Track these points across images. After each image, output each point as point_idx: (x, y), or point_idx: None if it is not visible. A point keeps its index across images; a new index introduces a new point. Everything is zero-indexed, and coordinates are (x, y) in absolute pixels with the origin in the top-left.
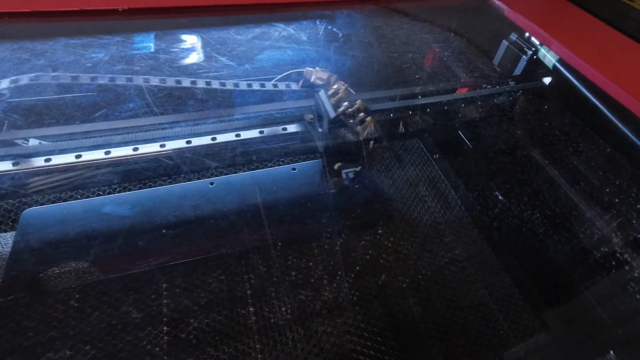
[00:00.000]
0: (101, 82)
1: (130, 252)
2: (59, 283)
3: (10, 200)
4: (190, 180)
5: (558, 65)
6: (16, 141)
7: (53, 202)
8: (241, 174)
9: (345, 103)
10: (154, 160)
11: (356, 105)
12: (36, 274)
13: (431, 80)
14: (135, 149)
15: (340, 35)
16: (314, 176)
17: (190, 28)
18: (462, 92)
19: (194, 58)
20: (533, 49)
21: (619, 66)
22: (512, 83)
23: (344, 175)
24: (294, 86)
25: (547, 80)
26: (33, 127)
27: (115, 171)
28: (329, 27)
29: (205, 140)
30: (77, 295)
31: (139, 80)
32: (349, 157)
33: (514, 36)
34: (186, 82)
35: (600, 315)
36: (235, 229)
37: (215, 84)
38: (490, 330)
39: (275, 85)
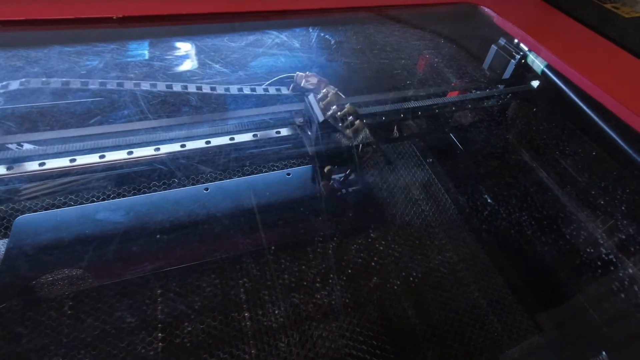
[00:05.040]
0: (109, 87)
1: (124, 258)
2: (53, 290)
3: (3, 207)
4: (185, 186)
5: (545, 70)
6: (9, 146)
7: (46, 209)
8: (236, 179)
9: (334, 107)
10: (148, 164)
11: (345, 109)
12: (29, 281)
13: (422, 84)
14: (130, 153)
15: (332, 42)
16: (308, 181)
17: (184, 35)
18: (453, 96)
19: (188, 65)
20: (521, 53)
21: (603, 71)
22: (501, 87)
23: (334, 179)
24: (285, 90)
25: (535, 84)
26: (26, 132)
27: (110, 177)
28: (322, 34)
29: (200, 144)
30: (70, 303)
31: (144, 86)
32: (339, 161)
33: (502, 41)
34: (178, 87)
35: (592, 316)
36: (230, 234)
37: (207, 89)
38: (484, 332)
39: (266, 90)
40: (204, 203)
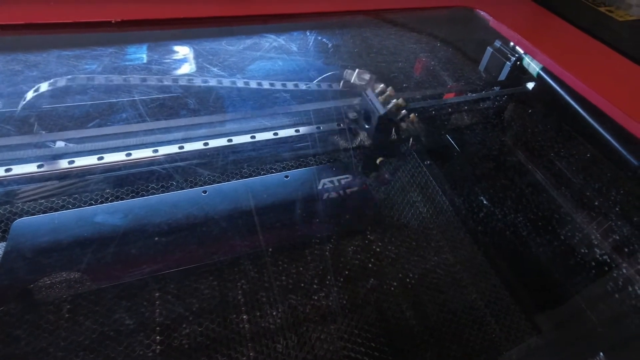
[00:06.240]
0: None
1: (122, 260)
2: (51, 293)
3: (0, 211)
4: (183, 189)
5: (541, 72)
6: (6, 148)
7: (44, 212)
8: (234, 182)
9: (394, 100)
10: (147, 166)
11: (399, 103)
12: (27, 284)
13: (419, 87)
14: (129, 155)
15: (330, 45)
16: (307, 183)
17: (182, 39)
18: (449, 97)
19: (186, 69)
20: (516, 56)
21: (597, 73)
22: (496, 89)
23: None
24: (336, 86)
25: (530, 86)
26: (24, 134)
27: (108, 179)
28: (319, 38)
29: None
30: (68, 306)
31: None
32: (388, 152)
33: (497, 43)
34: (226, 82)
35: (590, 318)
36: (228, 236)
37: (253, 84)
38: (482, 334)
39: (318, 86)
40: (202, 206)
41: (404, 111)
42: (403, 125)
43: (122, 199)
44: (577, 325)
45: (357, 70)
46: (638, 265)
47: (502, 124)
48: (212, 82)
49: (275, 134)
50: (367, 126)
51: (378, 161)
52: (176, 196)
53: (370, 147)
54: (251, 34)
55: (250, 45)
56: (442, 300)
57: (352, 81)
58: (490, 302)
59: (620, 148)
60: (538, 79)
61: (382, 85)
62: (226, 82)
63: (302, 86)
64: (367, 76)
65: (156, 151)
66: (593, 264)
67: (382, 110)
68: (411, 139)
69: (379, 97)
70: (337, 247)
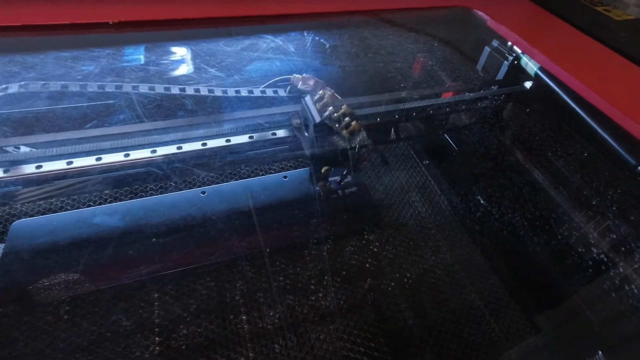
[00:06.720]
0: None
1: (121, 261)
2: (49, 294)
3: None
4: (182, 189)
5: (538, 72)
6: (5, 149)
7: (42, 214)
8: (233, 182)
9: (330, 108)
10: (145, 166)
11: (342, 110)
12: (26, 286)
13: (417, 86)
14: (127, 155)
15: (327, 45)
16: (305, 184)
17: (180, 40)
18: (447, 97)
19: (184, 69)
20: (514, 55)
21: (594, 73)
22: (494, 88)
23: (330, 181)
24: (282, 92)
25: (528, 85)
26: (22, 135)
27: (106, 180)
28: (317, 38)
29: (196, 145)
30: (66, 307)
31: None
32: (336, 162)
33: (495, 43)
34: (175, 90)
35: (589, 317)
36: (226, 237)
37: (204, 91)
38: (482, 333)
39: (263, 92)
40: (200, 206)
41: (347, 119)
42: (344, 133)
43: (120, 199)
44: (576, 324)
45: (303, 75)
46: (636, 265)
47: (500, 123)
48: (159, 90)
49: (274, 134)
50: (306, 134)
51: (323, 170)
52: (175, 197)
53: (313, 156)
54: (248, 35)
55: (248, 45)
56: (440, 300)
57: (298, 87)
58: (489, 301)
59: (617, 147)
60: (535, 79)
61: (321, 91)
62: (175, 90)
63: (244, 92)
64: (312, 82)
65: (154, 152)
66: (591, 263)
67: (317, 118)
68: (357, 147)
69: (318, 104)
70: (335, 247)
